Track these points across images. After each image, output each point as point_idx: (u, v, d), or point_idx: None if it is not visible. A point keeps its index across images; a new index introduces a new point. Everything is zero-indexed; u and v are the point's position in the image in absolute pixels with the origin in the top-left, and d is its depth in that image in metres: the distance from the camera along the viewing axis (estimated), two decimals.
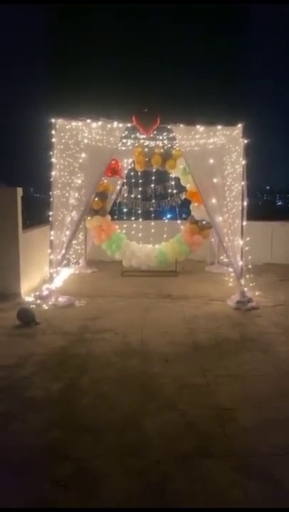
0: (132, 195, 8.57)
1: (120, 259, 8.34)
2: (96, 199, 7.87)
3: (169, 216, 10.07)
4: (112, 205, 8.87)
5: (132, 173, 8.58)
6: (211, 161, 6.72)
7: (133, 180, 8.57)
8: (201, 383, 3.75)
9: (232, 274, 7.02)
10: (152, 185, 8.59)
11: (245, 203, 6.31)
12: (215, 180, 6.67)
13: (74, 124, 6.47)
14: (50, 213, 6.44)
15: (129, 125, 6.39)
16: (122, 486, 2.46)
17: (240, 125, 6.39)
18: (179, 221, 8.94)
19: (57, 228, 6.46)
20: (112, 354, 4.41)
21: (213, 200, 6.69)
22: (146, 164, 8.17)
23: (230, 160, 6.65)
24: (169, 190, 8.56)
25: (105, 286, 7.49)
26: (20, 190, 6.61)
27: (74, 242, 7.36)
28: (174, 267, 8.43)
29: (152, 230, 9.03)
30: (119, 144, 7.49)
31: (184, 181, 8.27)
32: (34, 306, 5.96)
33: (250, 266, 6.81)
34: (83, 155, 6.78)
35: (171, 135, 6.96)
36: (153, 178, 8.58)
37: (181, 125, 6.41)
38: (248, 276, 6.68)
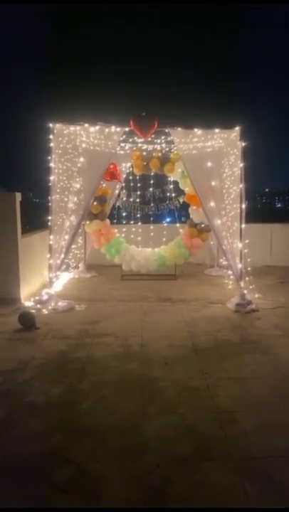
0: (131, 199, 8.59)
1: (120, 263, 8.35)
2: (95, 203, 7.89)
3: (168, 220, 10.09)
4: (111, 209, 8.88)
5: (131, 177, 8.61)
6: (209, 164, 6.74)
7: (132, 184, 8.60)
8: (201, 386, 3.74)
9: (231, 277, 7.03)
10: (151, 189, 8.61)
11: (243, 206, 6.32)
12: (213, 183, 6.69)
13: (72, 128, 6.50)
14: (49, 218, 6.45)
15: (126, 129, 6.41)
16: (122, 489, 2.45)
17: (237, 128, 6.41)
18: (178, 224, 8.95)
19: (56, 233, 6.47)
20: (111, 358, 4.40)
21: (212, 203, 6.70)
22: (144, 168, 8.20)
23: (229, 163, 6.67)
24: (168, 194, 8.58)
25: (105, 290, 7.49)
26: (18, 195, 6.62)
27: (73, 246, 7.37)
28: (173, 270, 8.43)
29: (151, 234, 9.04)
30: (118, 148, 7.51)
31: (182, 185, 8.29)
32: (34, 310, 5.96)
33: (249, 268, 6.82)
34: (81, 159, 6.81)
35: (169, 138, 6.98)
36: (151, 181, 8.62)
37: (179, 128, 6.43)
38: (247, 278, 6.68)
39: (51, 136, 6.34)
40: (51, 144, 6.36)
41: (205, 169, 6.75)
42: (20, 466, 2.67)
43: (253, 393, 3.63)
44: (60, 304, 6.28)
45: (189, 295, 7.09)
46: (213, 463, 2.69)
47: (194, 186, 6.86)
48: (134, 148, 8.00)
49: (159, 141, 7.32)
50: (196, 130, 6.39)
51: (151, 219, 9.14)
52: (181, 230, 8.56)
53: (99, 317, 5.83)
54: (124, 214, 9.04)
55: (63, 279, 7.97)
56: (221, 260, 8.54)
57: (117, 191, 8.78)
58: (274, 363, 4.27)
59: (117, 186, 8.73)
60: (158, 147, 7.88)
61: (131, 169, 8.55)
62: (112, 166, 7.80)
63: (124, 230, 9.06)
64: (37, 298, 6.41)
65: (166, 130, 6.55)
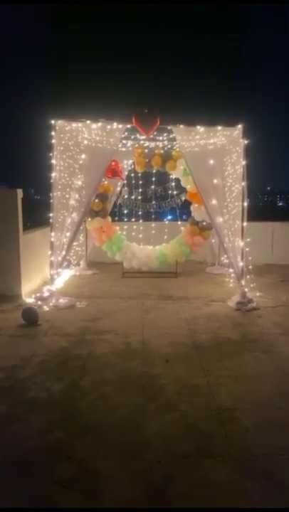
0: (133, 197, 8.58)
1: (121, 261, 8.34)
2: (96, 200, 7.88)
3: (169, 217, 10.07)
4: (113, 207, 8.87)
5: (132, 175, 8.59)
6: (211, 161, 6.73)
7: (133, 182, 8.58)
8: (201, 384, 3.75)
9: (233, 275, 7.02)
10: (152, 187, 8.60)
11: (245, 204, 6.30)
12: (215, 181, 6.68)
13: (74, 125, 6.48)
14: (51, 215, 6.44)
15: (128, 126, 6.39)
16: (123, 486, 2.46)
17: (240, 126, 6.39)
18: (179, 222, 8.93)
19: (57, 230, 6.46)
20: (112, 355, 4.41)
21: (214, 201, 6.69)
22: (146, 165, 8.18)
23: (231, 161, 6.65)
24: (170, 192, 8.56)
25: (106, 288, 7.49)
26: (20, 192, 6.61)
27: (74, 243, 7.37)
28: (174, 268, 8.43)
29: (153, 232, 9.03)
30: (119, 145, 7.50)
31: (184, 182, 8.27)
32: (35, 307, 5.96)
33: (250, 267, 6.81)
34: (83, 156, 6.79)
35: (171, 136, 6.97)
36: (153, 179, 8.59)
37: (181, 126, 6.41)
38: (248, 276, 6.68)
39: (53, 133, 6.32)
40: (53, 141, 6.34)
41: (207, 167, 6.73)
42: (21, 463, 2.68)
43: (253, 391, 3.63)
44: (61, 300, 6.29)
45: (190, 293, 7.09)
46: (214, 460, 2.70)
47: (196, 184, 6.85)
48: (136, 146, 7.98)
49: (161, 138, 7.30)
50: (198, 127, 6.37)
51: (153, 217, 9.13)
52: (182, 228, 8.54)
53: (100, 314, 5.83)
54: (125, 211, 9.02)
55: (64, 276, 7.97)
56: (223, 258, 8.52)
57: (118, 188, 8.76)
58: (275, 361, 4.27)
59: (119, 183, 8.71)
60: (160, 144, 7.86)
61: (133, 166, 8.53)
62: (113, 163, 7.78)
63: (125, 227, 9.05)
64: (38, 295, 6.41)
65: (169, 127, 6.54)
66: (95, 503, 2.33)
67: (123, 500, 2.35)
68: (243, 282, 6.39)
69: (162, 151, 8.05)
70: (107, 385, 3.73)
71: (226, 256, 7.05)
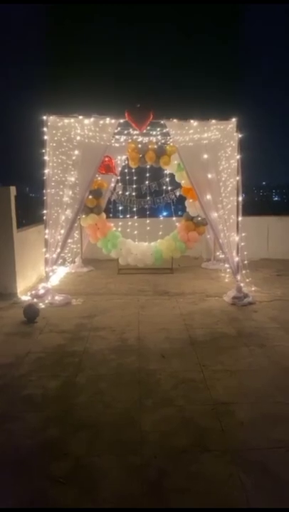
0: (127, 193, 8.54)
1: (116, 257, 8.32)
2: (90, 197, 7.84)
3: (164, 213, 10.04)
4: (107, 203, 8.83)
5: (126, 170, 8.54)
6: (206, 156, 6.70)
7: (127, 178, 8.53)
8: (197, 379, 3.74)
9: (228, 270, 7.02)
10: (147, 182, 8.56)
11: (240, 199, 6.29)
12: (209, 176, 6.65)
13: (66, 120, 6.42)
14: (44, 212, 6.40)
15: (121, 121, 6.35)
16: (119, 481, 2.45)
17: (234, 119, 6.36)
18: (174, 218, 8.91)
19: (51, 227, 6.43)
20: (108, 351, 4.39)
21: (208, 196, 6.67)
22: (140, 161, 8.14)
23: (225, 155, 6.62)
24: (164, 187, 8.53)
25: (101, 285, 7.47)
26: (13, 189, 6.56)
27: (69, 240, 7.34)
28: (170, 264, 8.42)
29: (148, 228, 9.00)
30: (113, 141, 7.45)
31: (178, 177, 8.24)
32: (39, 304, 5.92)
33: (246, 261, 6.80)
34: (76, 152, 6.75)
35: (164, 130, 6.92)
36: (147, 174, 8.55)
37: (175, 120, 6.37)
38: (244, 271, 6.68)
39: (45, 129, 6.27)
40: (45, 137, 6.29)
41: (201, 161, 6.71)
42: (17, 460, 2.66)
43: (249, 385, 3.63)
44: (56, 298, 6.26)
45: (186, 288, 7.08)
46: (210, 455, 2.69)
47: (190, 179, 6.82)
48: (130, 141, 7.94)
49: (154, 133, 7.26)
50: (192, 121, 6.34)
51: (148, 213, 9.10)
52: (177, 224, 8.52)
53: (96, 311, 5.81)
54: (120, 208, 8.99)
55: (60, 274, 7.95)
56: (218, 253, 8.52)
57: (112, 185, 8.72)
58: (270, 355, 4.27)
59: (113, 179, 8.67)
60: (153, 139, 7.82)
61: (126, 162, 8.49)
62: (107, 159, 7.74)
63: (120, 224, 9.01)
64: (33, 292, 6.38)
65: (162, 122, 6.50)
66: (92, 498, 2.32)
67: (120, 495, 2.34)
68: (238, 277, 6.38)
69: (156, 146, 8.01)
70: (103, 381, 3.72)
71: (221, 251, 7.04)
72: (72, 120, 6.39)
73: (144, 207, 8.74)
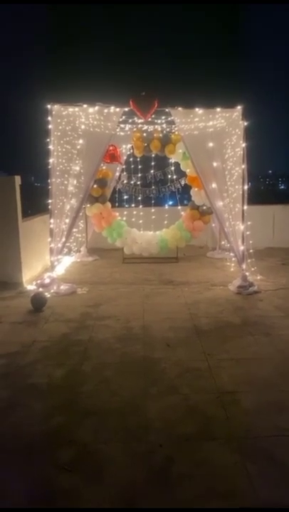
0: (132, 182, 8.50)
1: (121, 247, 8.32)
2: (95, 186, 7.81)
3: (169, 202, 9.98)
4: (112, 192, 8.79)
5: (131, 159, 8.49)
6: (211, 144, 6.62)
7: (132, 167, 8.48)
8: (202, 367, 3.76)
9: (233, 259, 6.99)
10: (152, 171, 8.50)
11: (246, 187, 6.24)
12: (215, 165, 6.59)
13: (71, 109, 6.38)
14: (49, 201, 6.39)
15: (126, 109, 6.29)
16: (125, 469, 2.48)
17: (239, 107, 6.28)
18: (179, 207, 8.87)
19: (56, 216, 6.42)
20: (114, 340, 4.42)
21: (214, 185, 6.62)
22: (145, 149, 8.08)
23: (231, 143, 6.55)
24: (169, 176, 8.48)
25: (107, 274, 7.48)
26: (18, 179, 6.55)
27: (74, 230, 7.34)
28: (175, 253, 8.41)
29: (153, 217, 8.96)
30: (117, 129, 7.39)
31: (183, 166, 8.18)
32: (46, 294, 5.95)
33: (251, 250, 6.78)
34: (81, 141, 6.71)
35: (169, 118, 6.85)
36: (152, 163, 8.49)
37: (180, 108, 6.30)
38: (249, 260, 6.65)
39: (50, 118, 6.23)
40: (50, 126, 6.25)
41: (206, 150, 6.64)
42: (24, 447, 2.70)
43: (254, 374, 3.63)
44: (62, 287, 6.28)
45: (191, 278, 7.08)
46: (215, 442, 2.71)
47: (196, 168, 6.76)
48: (135, 129, 7.87)
49: (159, 121, 7.19)
50: (197, 109, 6.26)
51: (153, 202, 9.05)
52: (182, 213, 8.48)
53: (101, 300, 5.83)
54: (125, 197, 8.95)
55: (65, 263, 7.97)
56: (223, 242, 8.49)
57: (117, 174, 8.68)
58: (276, 344, 4.27)
59: (118, 169, 8.62)
60: (158, 128, 7.75)
61: (131, 151, 8.43)
62: (112, 148, 7.69)
63: (125, 213, 8.99)
64: (39, 281, 6.40)
65: (167, 110, 6.42)
66: (98, 485, 2.35)
67: (125, 483, 2.37)
68: (243, 266, 6.36)
69: (161, 135, 7.94)
70: (109, 369, 3.74)
71: (226, 240, 7.01)
72: (76, 109, 6.34)
73: (149, 196, 8.69)
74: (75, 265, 8.21)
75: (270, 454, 2.59)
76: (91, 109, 6.25)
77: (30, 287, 6.36)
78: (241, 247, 6.37)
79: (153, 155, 8.29)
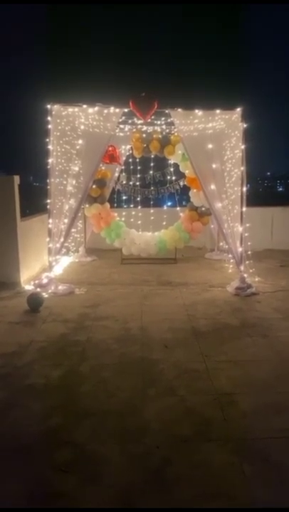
0: (131, 183, 8.50)
1: (120, 247, 8.31)
2: (94, 186, 7.81)
3: (168, 203, 9.99)
4: (111, 193, 8.79)
5: (130, 160, 8.50)
6: (210, 146, 6.64)
7: (131, 167, 8.49)
8: (200, 369, 3.75)
9: (232, 261, 7.00)
10: (151, 172, 8.51)
11: (244, 189, 6.24)
12: (214, 166, 6.60)
13: (70, 109, 6.38)
14: (48, 201, 6.39)
15: (126, 110, 6.29)
16: (122, 470, 2.47)
17: (239, 109, 6.30)
18: (178, 208, 8.87)
19: (55, 216, 6.42)
20: (111, 341, 4.41)
21: (212, 186, 6.63)
22: (144, 150, 8.09)
23: (230, 145, 6.57)
24: (168, 177, 8.48)
25: (105, 274, 7.48)
26: (17, 178, 6.53)
27: (73, 230, 7.33)
28: (173, 254, 8.41)
29: (152, 218, 8.97)
30: (117, 130, 7.40)
31: (182, 167, 8.18)
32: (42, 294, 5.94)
33: (250, 252, 6.78)
34: (80, 141, 6.71)
35: (169, 120, 6.86)
36: (152, 164, 8.50)
37: (179, 109, 6.31)
38: (247, 262, 6.66)
39: (49, 118, 6.23)
40: (49, 126, 6.24)
41: (206, 151, 6.65)
42: (20, 448, 2.69)
43: (252, 376, 3.64)
44: (60, 287, 6.27)
45: (189, 279, 7.08)
46: (213, 444, 2.71)
47: (195, 169, 6.77)
48: (134, 130, 7.88)
49: (159, 122, 7.20)
50: (196, 111, 6.27)
51: (152, 202, 9.05)
52: (181, 214, 8.49)
53: (99, 301, 5.83)
54: (124, 197, 8.95)
55: (63, 263, 7.96)
56: (222, 244, 8.49)
57: (116, 174, 8.68)
58: (274, 346, 4.27)
59: (117, 169, 8.62)
60: (158, 129, 7.76)
61: (130, 152, 8.44)
62: (111, 149, 7.69)
63: (124, 213, 8.99)
64: (37, 282, 6.40)
65: (167, 111, 6.43)
66: (94, 486, 2.35)
67: (122, 484, 2.36)
68: (242, 268, 6.37)
69: (160, 136, 7.95)
70: (106, 370, 3.73)
71: (225, 241, 7.01)
72: (76, 109, 6.34)
73: (148, 197, 8.70)
74: (73, 265, 8.20)
75: (267, 456, 2.59)
76: (91, 110, 6.26)
77: (28, 287, 6.35)
78: (240, 249, 6.38)
79: (152, 156, 8.30)
